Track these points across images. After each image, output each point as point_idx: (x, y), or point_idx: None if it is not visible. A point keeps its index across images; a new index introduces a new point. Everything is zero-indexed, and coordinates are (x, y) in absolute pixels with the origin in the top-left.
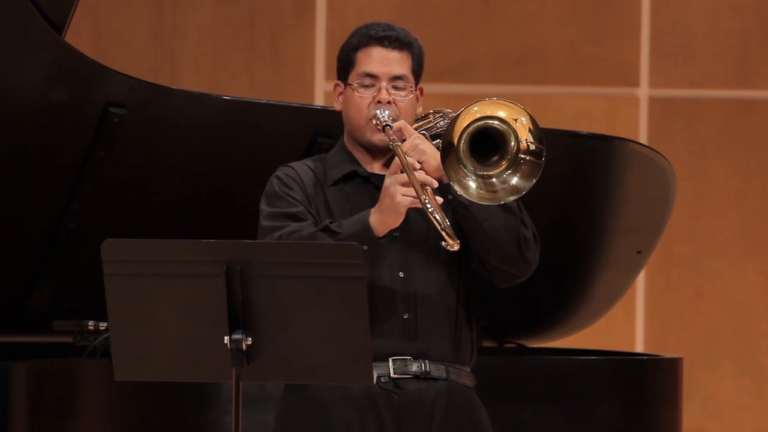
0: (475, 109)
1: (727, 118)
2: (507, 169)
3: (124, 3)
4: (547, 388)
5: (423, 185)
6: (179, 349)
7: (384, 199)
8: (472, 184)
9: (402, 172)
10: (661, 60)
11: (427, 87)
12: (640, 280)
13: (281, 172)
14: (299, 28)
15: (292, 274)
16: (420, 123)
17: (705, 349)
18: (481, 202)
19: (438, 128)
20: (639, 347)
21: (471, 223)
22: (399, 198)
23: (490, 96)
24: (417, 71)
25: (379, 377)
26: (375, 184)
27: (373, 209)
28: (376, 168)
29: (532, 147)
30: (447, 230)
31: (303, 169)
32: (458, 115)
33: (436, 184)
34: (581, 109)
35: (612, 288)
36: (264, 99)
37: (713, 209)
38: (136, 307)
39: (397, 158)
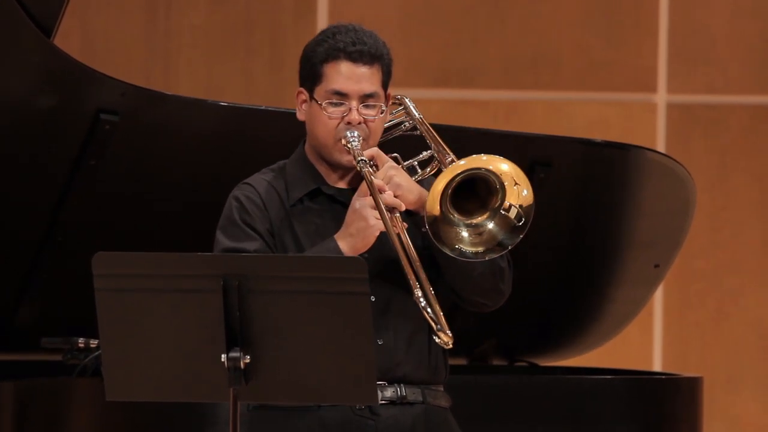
0: (462, 163)
1: (749, 125)
2: (489, 219)
3: (115, 4)
4: (559, 408)
5: (392, 210)
6: (174, 367)
7: (355, 222)
8: (465, 234)
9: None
10: (679, 64)
11: (435, 93)
12: (658, 295)
13: (240, 192)
14: (299, 29)
15: (293, 289)
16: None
17: (726, 369)
18: (474, 258)
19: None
20: (657, 366)
21: (445, 257)
22: (373, 221)
23: (495, 101)
24: (386, 81)
25: (354, 404)
26: (341, 201)
27: (338, 234)
28: (340, 183)
29: (513, 213)
30: (443, 328)
31: (264, 186)
32: (443, 173)
33: (403, 207)
34: (596, 116)
35: (628, 304)
36: (262, 105)
37: (734, 221)
38: (128, 324)
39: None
